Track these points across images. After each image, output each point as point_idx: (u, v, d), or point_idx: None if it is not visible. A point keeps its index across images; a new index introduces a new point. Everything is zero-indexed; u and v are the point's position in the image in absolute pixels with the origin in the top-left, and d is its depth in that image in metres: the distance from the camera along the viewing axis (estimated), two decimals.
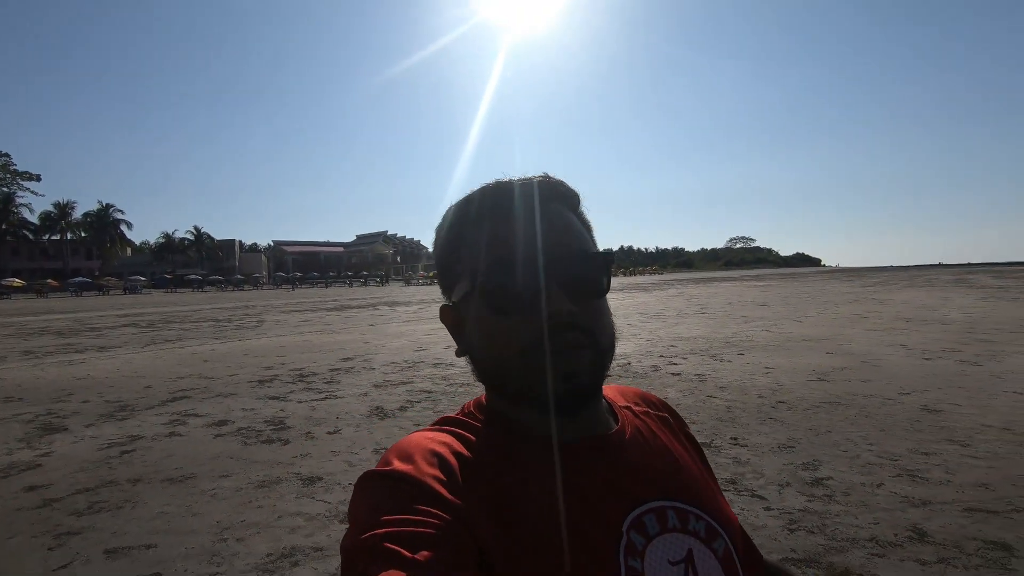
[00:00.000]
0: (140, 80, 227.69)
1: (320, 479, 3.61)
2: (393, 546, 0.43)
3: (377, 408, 5.53)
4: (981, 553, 2.48)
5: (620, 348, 7.97)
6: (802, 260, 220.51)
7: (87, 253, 73.80)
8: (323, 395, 6.21)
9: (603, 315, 0.56)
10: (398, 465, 0.50)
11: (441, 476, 0.50)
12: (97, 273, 67.94)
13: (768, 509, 2.99)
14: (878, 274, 64.34)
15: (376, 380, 7.01)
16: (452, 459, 0.52)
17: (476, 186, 0.60)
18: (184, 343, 11.94)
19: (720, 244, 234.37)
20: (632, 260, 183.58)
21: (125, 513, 3.16)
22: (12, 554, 2.71)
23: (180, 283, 59.40)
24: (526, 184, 0.57)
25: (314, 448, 4.28)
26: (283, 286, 62.79)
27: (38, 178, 69.28)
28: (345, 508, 3.13)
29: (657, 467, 0.58)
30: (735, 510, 2.92)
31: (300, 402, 5.90)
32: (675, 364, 7.62)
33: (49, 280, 52.25)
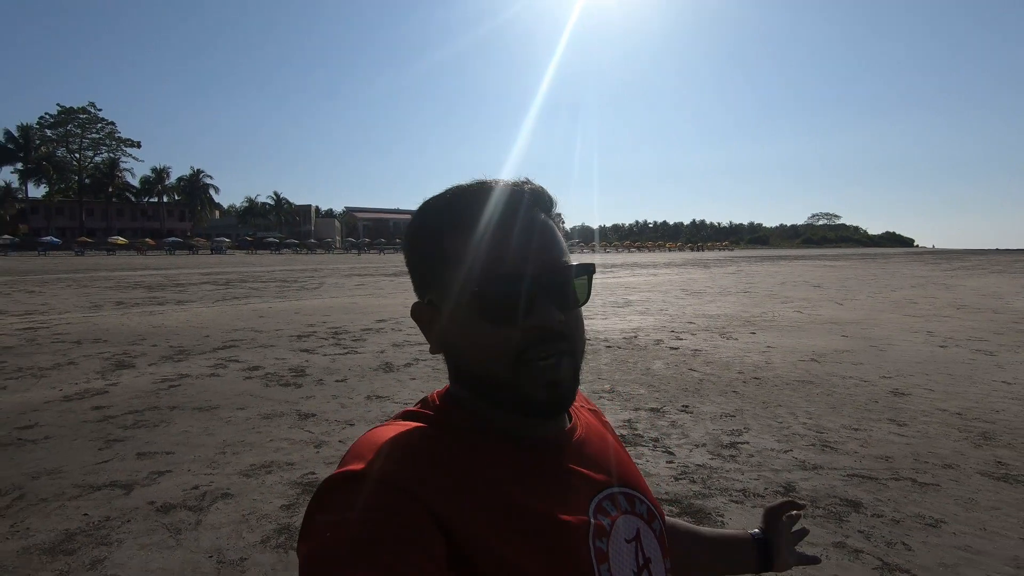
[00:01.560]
0: (228, 55, 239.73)
1: (313, 415, 4.35)
2: (356, 548, 0.43)
3: (386, 363, 6.26)
4: (829, 507, 2.83)
5: (637, 322, 8.36)
6: (891, 240, 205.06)
7: (180, 215, 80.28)
8: (346, 350, 7.03)
9: (581, 323, 0.59)
10: (360, 464, 0.50)
11: (400, 468, 0.50)
12: (189, 233, 73.94)
13: (670, 462, 3.42)
14: (972, 257, 59.31)
15: (397, 340, 7.77)
16: (419, 454, 0.52)
17: (461, 181, 0.60)
18: (249, 300, 13.27)
19: (801, 220, 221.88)
20: (702, 235, 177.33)
21: (159, 430, 4.02)
22: (73, 450, 3.60)
23: (260, 245, 63.78)
24: (513, 191, 0.58)
25: (319, 392, 5.05)
26: (352, 251, 65.95)
27: (138, 145, 75.76)
28: (324, 439, 3.84)
29: (607, 458, 0.63)
30: (643, 462, 3.38)
31: (324, 355, 6.73)
32: (680, 340, 7.90)
33: (147, 239, 57.60)
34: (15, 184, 69.17)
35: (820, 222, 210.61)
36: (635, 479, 0.64)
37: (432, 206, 0.60)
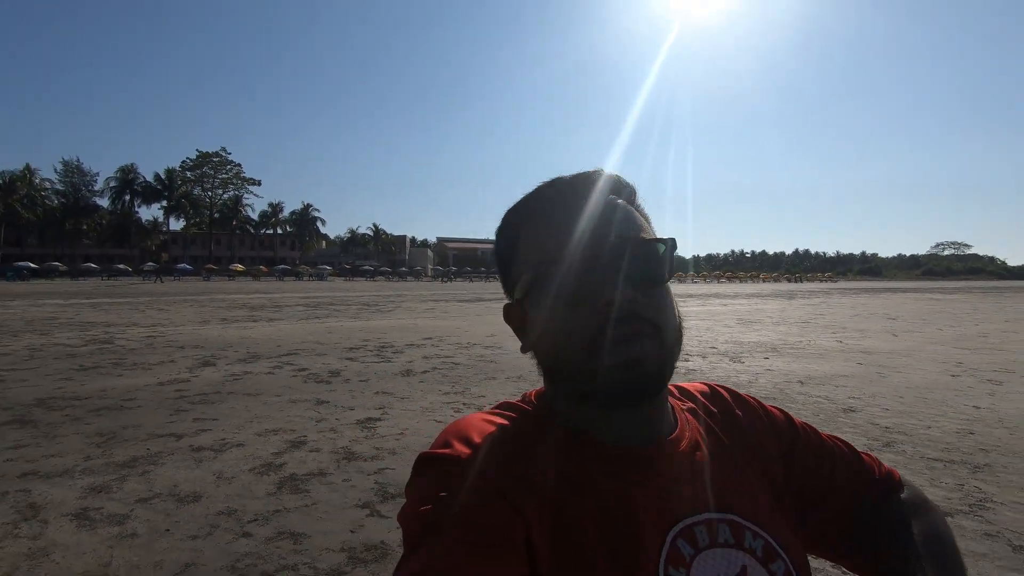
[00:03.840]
0: (334, 97, 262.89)
1: (327, 403, 5.53)
2: (444, 525, 0.46)
3: (407, 370, 7.39)
4: None
5: None
6: None
7: (291, 244, 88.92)
8: (382, 360, 8.26)
9: (666, 304, 0.55)
10: (453, 447, 0.52)
11: (493, 461, 0.51)
12: (297, 261, 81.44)
13: None
14: None
15: (429, 354, 8.91)
16: (506, 445, 0.53)
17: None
18: (327, 320, 15.10)
19: (923, 251, 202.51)
20: (805, 265, 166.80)
21: (214, 406, 5.36)
22: (153, 414, 5.00)
23: (356, 272, 69.14)
24: (581, 177, 0.58)
25: (341, 387, 6.25)
26: (439, 279, 69.47)
27: (259, 183, 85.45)
28: (325, 417, 4.97)
29: (714, 477, 0.57)
30: None
31: (363, 362, 7.99)
32: (685, 362, 8.39)
33: (261, 266, 64.50)
34: (160, 219, 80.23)
35: (946, 252, 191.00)
36: (753, 509, 0.57)
37: (512, 207, 0.61)
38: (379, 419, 4.95)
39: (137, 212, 78.52)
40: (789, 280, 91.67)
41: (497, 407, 0.60)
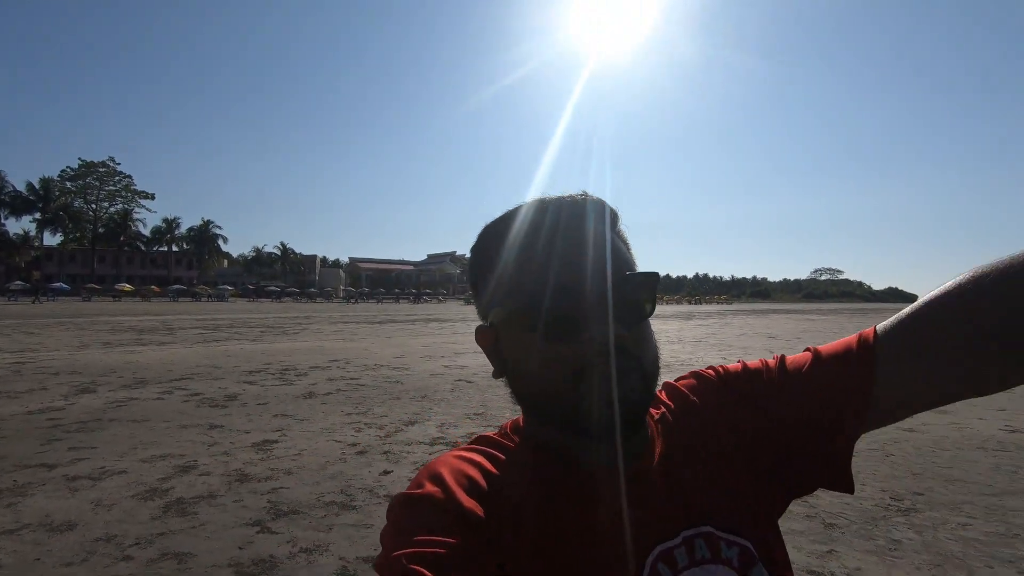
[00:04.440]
0: (242, 110, 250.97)
1: (222, 427, 5.38)
2: (418, 567, 0.44)
3: (309, 393, 7.29)
4: None
5: None
6: (894, 295, 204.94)
7: (188, 263, 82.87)
8: (283, 383, 8.07)
9: (648, 338, 0.56)
10: (427, 487, 0.51)
11: (468, 499, 0.51)
12: (195, 281, 76.06)
13: None
14: None
15: (334, 376, 8.80)
16: (481, 481, 0.53)
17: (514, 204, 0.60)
18: (226, 343, 14.36)
19: (804, 275, 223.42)
20: (704, 289, 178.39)
21: (94, 434, 5.07)
22: (21, 445, 4.65)
23: (261, 293, 65.65)
24: (567, 204, 0.57)
25: (237, 411, 6.09)
26: (351, 300, 67.56)
27: (152, 196, 79.26)
28: (218, 441, 4.86)
29: (687, 489, 0.57)
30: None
31: (262, 386, 7.77)
32: None
33: (153, 287, 59.63)
34: (32, 232, 72.25)
35: (823, 277, 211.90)
36: (726, 513, 0.57)
37: (488, 226, 0.61)
38: (276, 441, 4.91)
39: (3, 225, 70.32)
40: (690, 302, 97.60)
41: (472, 442, 0.60)
